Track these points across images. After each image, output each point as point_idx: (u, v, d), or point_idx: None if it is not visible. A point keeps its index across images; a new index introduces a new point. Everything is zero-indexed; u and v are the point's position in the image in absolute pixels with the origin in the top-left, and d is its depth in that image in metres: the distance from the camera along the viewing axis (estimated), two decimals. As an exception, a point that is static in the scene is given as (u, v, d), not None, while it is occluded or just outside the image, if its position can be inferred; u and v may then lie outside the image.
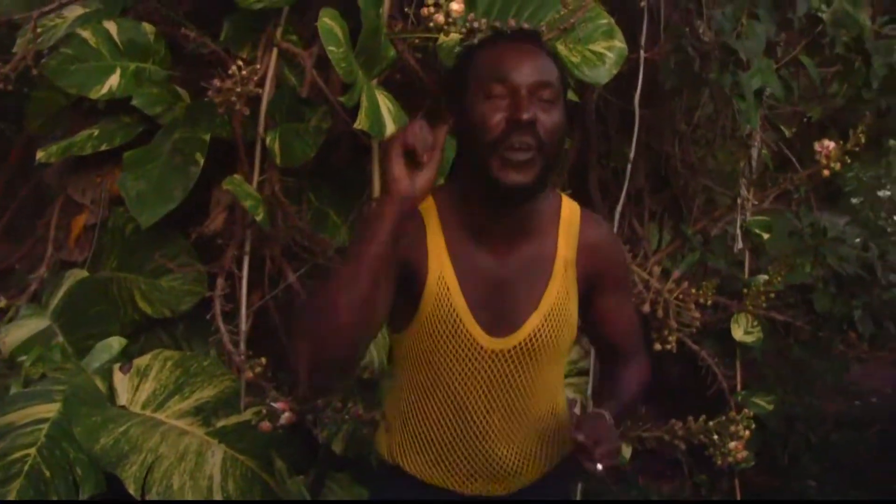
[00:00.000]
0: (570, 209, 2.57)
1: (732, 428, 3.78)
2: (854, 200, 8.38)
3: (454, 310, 2.44)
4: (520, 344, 2.48)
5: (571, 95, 3.51)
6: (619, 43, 3.65)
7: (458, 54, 2.60)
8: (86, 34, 3.90)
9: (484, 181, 2.33)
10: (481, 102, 2.30)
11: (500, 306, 2.47)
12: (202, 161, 3.73)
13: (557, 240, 2.52)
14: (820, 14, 4.54)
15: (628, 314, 2.71)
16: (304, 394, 2.83)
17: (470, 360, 2.48)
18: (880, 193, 8.58)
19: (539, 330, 2.48)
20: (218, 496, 3.26)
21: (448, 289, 2.44)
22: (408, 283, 2.44)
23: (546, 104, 2.30)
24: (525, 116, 2.24)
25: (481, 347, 2.46)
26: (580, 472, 2.79)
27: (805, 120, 5.74)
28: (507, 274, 2.47)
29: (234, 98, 3.30)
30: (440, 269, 2.45)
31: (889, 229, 7.40)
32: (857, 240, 5.82)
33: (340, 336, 2.18)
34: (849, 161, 4.37)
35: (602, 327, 2.67)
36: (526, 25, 3.41)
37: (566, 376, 4.23)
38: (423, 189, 2.22)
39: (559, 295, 2.51)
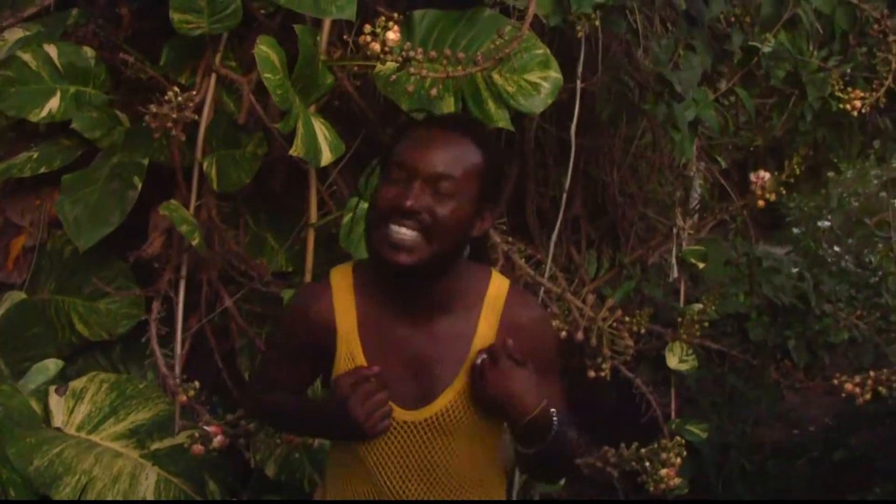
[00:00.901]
0: (497, 287, 2.55)
1: (664, 455, 3.81)
2: (795, 230, 8.47)
3: None
4: (432, 417, 2.48)
5: (507, 124, 3.55)
6: (555, 73, 3.68)
7: (391, 134, 2.62)
8: (26, 57, 3.91)
9: (373, 255, 2.39)
10: (384, 181, 2.37)
11: (413, 380, 2.49)
12: (140, 185, 3.75)
13: (479, 318, 2.51)
14: (759, 47, 4.59)
15: (551, 398, 2.49)
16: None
17: None
18: (820, 223, 8.67)
19: (452, 406, 2.48)
20: (151, 518, 3.29)
21: (356, 364, 2.48)
22: (322, 358, 2.53)
23: (442, 196, 2.31)
24: (408, 204, 2.27)
25: (392, 419, 2.47)
26: None
27: (750, 149, 5.80)
28: (422, 349, 2.49)
29: (170, 124, 3.32)
30: (349, 347, 2.49)
31: (829, 259, 7.48)
32: (794, 270, 5.89)
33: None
34: (784, 192, 4.41)
35: None
36: (461, 55, 3.44)
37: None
38: None
39: None
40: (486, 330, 2.49)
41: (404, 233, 2.30)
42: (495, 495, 2.72)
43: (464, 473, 2.58)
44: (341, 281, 2.54)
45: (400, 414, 2.47)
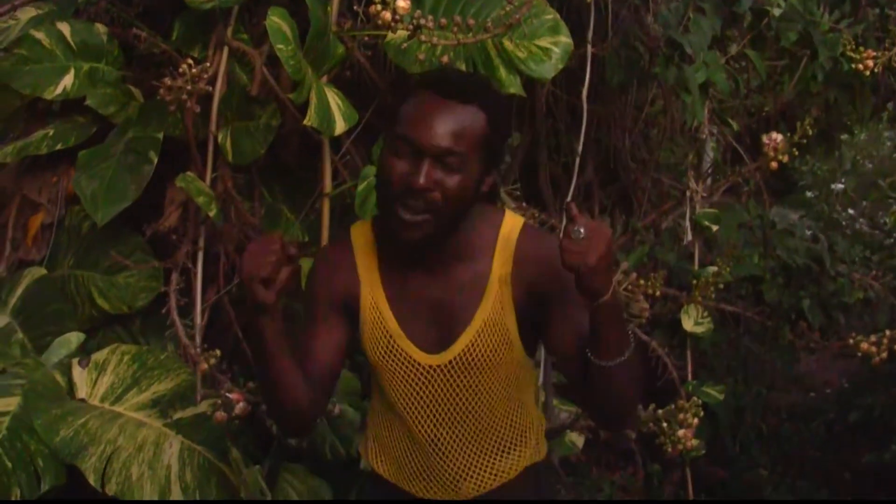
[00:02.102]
0: (510, 226, 2.60)
1: (681, 416, 3.84)
2: (809, 194, 8.46)
3: (387, 331, 2.57)
4: (455, 359, 2.56)
5: (518, 90, 3.56)
6: (565, 38, 3.67)
7: (396, 89, 2.65)
8: (39, 35, 3.93)
9: (385, 229, 2.49)
10: (391, 154, 2.40)
11: (434, 325, 2.58)
12: (155, 159, 3.77)
13: (493, 258, 2.56)
14: (769, 8, 4.59)
15: (579, 323, 2.52)
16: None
17: (409, 376, 2.60)
18: (834, 186, 8.67)
19: (473, 345, 2.55)
20: (175, 486, 3.31)
21: (380, 312, 2.58)
22: (349, 311, 2.61)
23: (449, 170, 2.36)
24: (420, 183, 2.33)
25: (417, 364, 2.58)
26: (540, 484, 2.88)
27: (762, 113, 5.80)
28: (440, 294, 2.56)
29: (184, 96, 3.35)
30: (372, 294, 2.58)
31: (843, 222, 7.49)
32: (808, 232, 5.91)
33: (296, 421, 2.59)
34: (796, 153, 4.42)
35: (553, 339, 2.60)
36: (472, 22, 3.46)
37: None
38: (287, 284, 2.36)
39: (493, 311, 2.55)
40: (500, 267, 2.55)
41: (414, 214, 2.37)
42: (531, 435, 2.78)
43: (492, 413, 2.67)
44: (360, 236, 2.63)
45: (424, 359, 2.57)
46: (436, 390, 2.60)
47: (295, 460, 3.79)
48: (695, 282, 4.81)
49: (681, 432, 3.84)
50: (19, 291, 3.96)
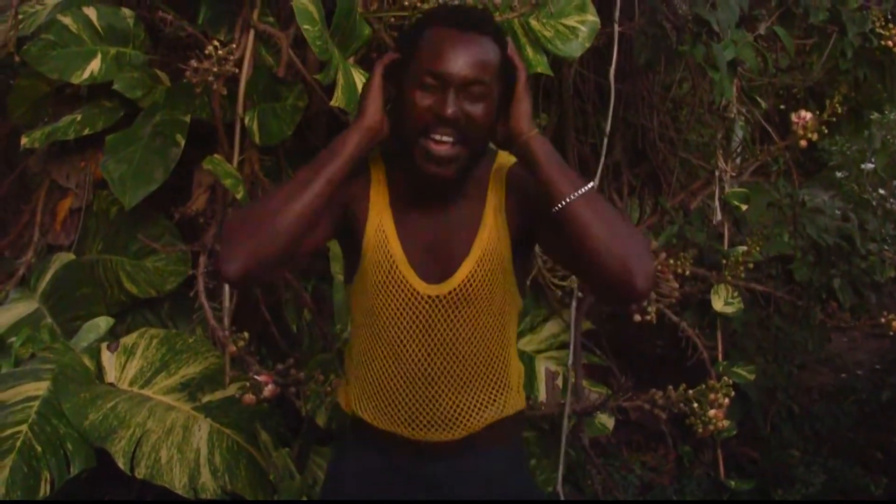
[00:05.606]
0: (503, 159, 2.64)
1: (712, 396, 3.83)
2: (839, 174, 8.42)
3: (391, 256, 2.56)
4: (455, 289, 2.56)
5: (546, 69, 3.55)
6: (592, 16, 3.68)
7: (413, 26, 2.65)
8: (66, 20, 3.94)
9: (410, 164, 2.46)
10: (414, 88, 2.41)
11: (435, 257, 2.58)
12: (183, 142, 3.79)
13: (487, 191, 2.60)
14: (798, -15, 4.57)
15: None
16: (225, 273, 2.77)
17: (407, 305, 2.59)
18: (863, 166, 8.61)
19: (472, 275, 2.56)
20: (205, 469, 3.33)
21: (386, 237, 2.57)
22: (351, 231, 2.61)
23: (474, 99, 2.41)
24: (449, 112, 2.36)
25: (417, 293, 2.57)
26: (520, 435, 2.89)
27: (792, 92, 5.76)
28: (442, 228, 2.58)
29: (211, 78, 3.35)
30: (379, 218, 2.58)
31: (874, 202, 7.44)
32: (837, 211, 5.87)
33: (279, 238, 2.38)
34: (825, 131, 4.40)
35: (551, 241, 2.60)
36: (498, 1, 3.45)
37: (545, 350, 4.28)
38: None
39: (490, 241, 2.58)
40: (493, 198, 2.60)
41: (445, 143, 2.41)
42: (514, 378, 2.80)
43: (485, 348, 2.67)
44: (373, 164, 2.64)
45: (424, 288, 2.57)
46: (432, 321, 2.60)
47: (324, 442, 3.80)
48: (725, 261, 4.80)
49: (712, 413, 3.83)
50: (48, 276, 3.99)
